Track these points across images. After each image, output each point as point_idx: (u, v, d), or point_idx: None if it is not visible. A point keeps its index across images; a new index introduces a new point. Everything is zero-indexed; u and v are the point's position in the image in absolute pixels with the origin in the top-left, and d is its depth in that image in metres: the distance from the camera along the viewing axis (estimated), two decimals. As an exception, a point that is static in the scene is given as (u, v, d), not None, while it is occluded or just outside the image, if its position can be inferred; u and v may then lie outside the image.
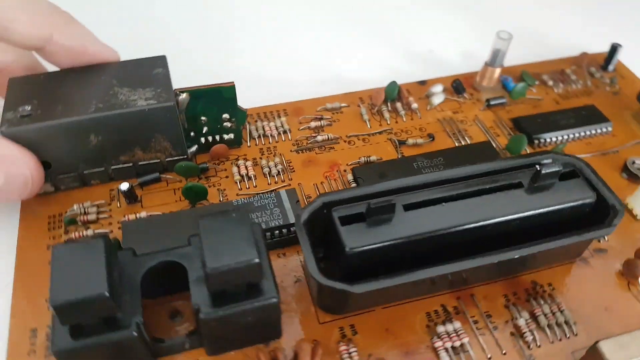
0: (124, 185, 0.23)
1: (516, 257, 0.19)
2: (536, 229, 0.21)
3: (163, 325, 0.20)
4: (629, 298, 0.22)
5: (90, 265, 0.16)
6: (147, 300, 0.20)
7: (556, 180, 0.21)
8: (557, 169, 0.21)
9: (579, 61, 0.34)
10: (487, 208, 0.20)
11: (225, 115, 0.26)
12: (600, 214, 0.21)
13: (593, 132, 0.29)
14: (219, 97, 0.25)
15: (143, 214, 0.24)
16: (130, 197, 0.24)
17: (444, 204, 0.20)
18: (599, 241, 0.24)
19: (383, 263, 0.19)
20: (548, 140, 0.28)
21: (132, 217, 0.23)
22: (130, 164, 0.25)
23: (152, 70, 0.25)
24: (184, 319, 0.20)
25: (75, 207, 0.24)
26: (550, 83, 0.32)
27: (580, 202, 0.21)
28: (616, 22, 0.39)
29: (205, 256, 0.17)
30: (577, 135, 0.29)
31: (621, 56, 0.34)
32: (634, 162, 0.27)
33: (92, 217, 0.23)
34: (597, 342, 0.19)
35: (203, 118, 0.25)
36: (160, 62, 0.25)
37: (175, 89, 0.24)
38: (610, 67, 0.34)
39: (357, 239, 0.19)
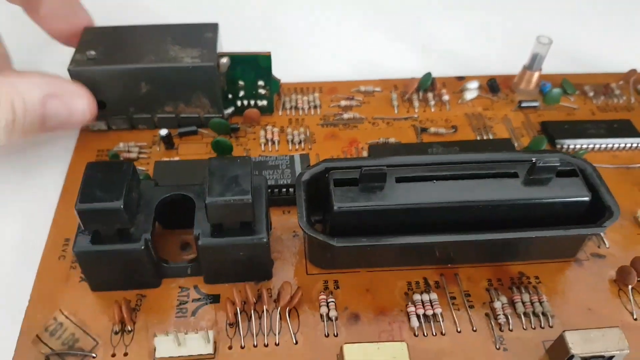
0: (164, 131, 0.27)
1: (496, 239, 0.20)
2: (528, 220, 0.22)
3: (174, 253, 0.23)
4: (616, 304, 0.22)
5: (114, 182, 0.20)
6: (165, 230, 0.24)
7: (553, 176, 0.22)
8: (553, 164, 0.21)
9: (626, 77, 0.33)
10: (476, 190, 0.21)
11: (261, 83, 0.28)
12: (597, 216, 0.22)
13: (622, 145, 0.29)
14: (256, 64, 0.27)
15: (176, 159, 0.27)
16: (168, 143, 0.27)
17: (435, 181, 0.22)
18: (599, 247, 0.24)
19: (369, 227, 0.21)
20: (572, 146, 0.28)
21: (165, 159, 0.27)
22: (173, 115, 0.28)
23: (203, 34, 0.28)
24: (192, 250, 0.23)
25: (121, 145, 0.27)
26: (591, 94, 0.32)
27: (573, 199, 0.21)
28: None
29: (207, 191, 0.19)
30: (603, 146, 0.28)
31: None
32: (657, 179, 0.27)
33: (133, 155, 0.27)
34: (564, 331, 0.19)
35: (241, 82, 0.28)
36: (211, 28, 0.28)
37: (218, 52, 0.27)
38: (661, 86, 0.33)
39: (345, 200, 0.21)
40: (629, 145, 0.29)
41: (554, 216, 0.22)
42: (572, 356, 0.19)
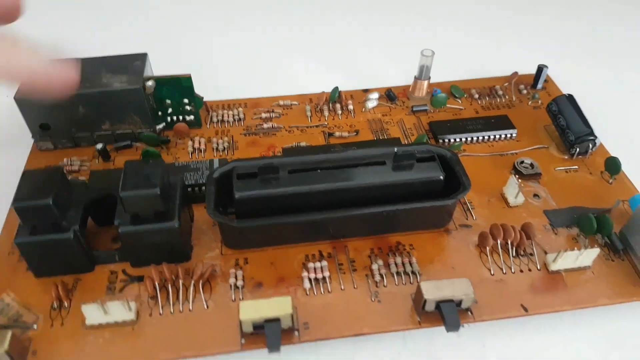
0: (99, 145, 0.31)
1: (368, 212, 0.25)
2: (397, 197, 0.26)
3: (107, 245, 0.27)
4: (476, 263, 0.27)
5: (46, 184, 0.24)
6: (100, 228, 0.28)
7: (414, 161, 0.26)
8: (411, 152, 0.26)
9: (509, 79, 0.39)
10: (352, 176, 0.26)
11: (186, 100, 0.33)
12: (455, 191, 0.26)
13: (497, 136, 0.34)
14: (179, 85, 0.32)
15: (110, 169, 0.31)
16: (104, 155, 0.31)
17: (319, 170, 0.26)
18: (467, 219, 0.29)
19: (268, 212, 0.26)
20: (452, 140, 0.33)
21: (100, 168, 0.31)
22: (110, 132, 0.32)
23: (133, 62, 0.32)
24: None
25: (65, 160, 0.32)
26: (476, 96, 0.37)
27: (429, 177, 0.26)
28: (548, 46, 0.45)
29: (121, 186, 0.24)
30: (480, 138, 0.33)
31: (555, 76, 0.39)
32: (522, 162, 0.32)
33: (75, 167, 0.31)
34: (420, 282, 0.24)
35: (168, 101, 0.33)
36: (141, 57, 0.33)
37: (145, 76, 0.31)
38: (539, 86, 0.38)
39: (245, 189, 0.25)
40: (503, 135, 0.34)
41: (417, 193, 0.26)
42: (426, 301, 0.23)
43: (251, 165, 0.27)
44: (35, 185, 0.24)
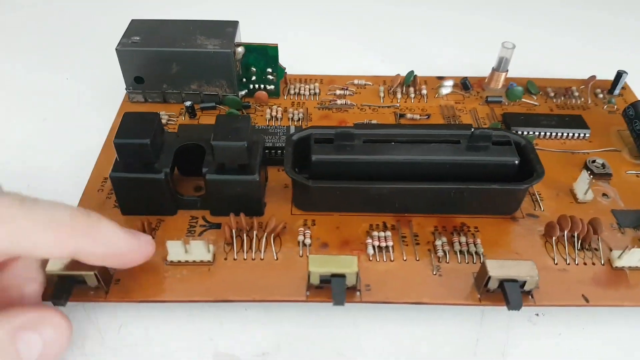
0: (188, 102, 0.33)
1: (437, 187, 0.26)
2: (469, 177, 0.27)
3: (189, 193, 0.29)
4: (540, 251, 0.27)
5: (144, 126, 0.26)
6: (184, 177, 0.30)
7: (489, 144, 0.27)
8: (488, 133, 0.27)
9: (586, 82, 0.38)
10: (425, 151, 0.27)
11: (269, 70, 0.35)
12: (526, 179, 0.27)
13: (570, 134, 0.34)
14: (265, 53, 0.34)
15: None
16: (191, 112, 0.34)
17: (393, 143, 0.27)
18: (535, 209, 0.29)
19: (341, 177, 0.27)
20: (525, 133, 0.33)
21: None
22: (197, 92, 0.34)
23: (225, 28, 0.34)
24: (203, 191, 0.29)
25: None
26: (552, 94, 0.37)
27: (503, 161, 0.27)
28: (629, 52, 0.45)
29: (213, 135, 0.25)
30: (553, 134, 0.33)
31: (633, 84, 0.38)
32: (594, 161, 0.32)
33: (163, 121, 0.34)
34: (485, 259, 0.25)
35: (253, 69, 0.35)
36: (232, 24, 0.35)
37: (236, 42, 0.33)
38: (616, 92, 0.38)
39: (321, 153, 0.27)
40: (576, 134, 0.34)
41: (489, 176, 0.27)
42: (490, 277, 0.24)
43: (328, 132, 0.28)
44: (135, 126, 0.26)
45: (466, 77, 0.38)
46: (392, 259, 0.26)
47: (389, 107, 0.36)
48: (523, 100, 0.36)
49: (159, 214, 0.28)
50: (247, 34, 0.36)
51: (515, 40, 0.37)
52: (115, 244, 0.22)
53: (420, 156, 0.27)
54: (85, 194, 0.29)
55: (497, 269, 0.24)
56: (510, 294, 0.23)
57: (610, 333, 0.25)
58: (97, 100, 0.37)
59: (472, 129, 0.27)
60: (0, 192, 0.19)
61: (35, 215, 0.19)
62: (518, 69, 0.38)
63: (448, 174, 0.27)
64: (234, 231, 0.27)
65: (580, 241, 0.27)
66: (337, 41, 0.45)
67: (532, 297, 0.25)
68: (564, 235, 0.27)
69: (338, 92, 0.37)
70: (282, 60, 0.35)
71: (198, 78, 0.34)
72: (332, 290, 0.23)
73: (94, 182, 0.30)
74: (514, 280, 0.24)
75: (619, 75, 0.37)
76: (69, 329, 0.22)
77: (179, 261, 0.26)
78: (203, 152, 0.28)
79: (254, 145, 0.27)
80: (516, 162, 0.27)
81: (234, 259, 0.26)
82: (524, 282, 0.24)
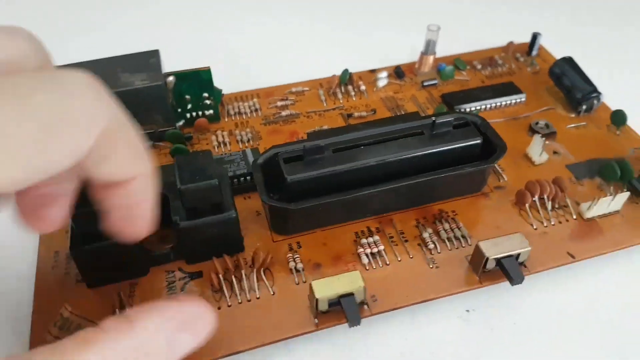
0: (126, 148, 0.30)
1: (415, 182, 0.26)
2: (438, 165, 0.27)
3: (156, 247, 0.27)
4: (518, 220, 0.28)
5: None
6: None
7: (450, 129, 0.27)
8: (449, 119, 0.27)
9: (506, 49, 0.40)
10: (394, 149, 0.27)
11: (205, 94, 0.33)
12: (490, 155, 0.28)
13: (508, 102, 0.35)
14: (198, 78, 0.32)
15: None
16: (131, 157, 0.31)
17: (362, 147, 0.27)
18: (499, 180, 0.30)
19: (318, 192, 0.26)
20: (468, 109, 0.34)
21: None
22: (131, 134, 0.32)
23: (148, 60, 0.32)
24: (170, 240, 0.27)
25: (89, 166, 0.31)
26: (479, 67, 0.39)
27: (468, 143, 0.27)
28: (540, 14, 0.47)
29: (178, 180, 0.23)
30: (493, 105, 0.35)
31: (546, 43, 0.41)
32: (537, 123, 0.33)
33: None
34: (478, 242, 0.25)
35: (187, 97, 0.32)
36: (154, 54, 0.32)
37: (164, 72, 0.31)
38: (534, 53, 0.40)
39: (294, 172, 0.26)
40: (513, 101, 0.35)
41: (456, 160, 0.27)
42: (487, 259, 0.24)
43: (293, 149, 0.27)
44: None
45: (398, 65, 0.38)
46: (387, 262, 0.26)
47: (334, 109, 0.35)
48: (455, 78, 0.38)
49: (130, 278, 0.25)
50: (167, 61, 0.33)
51: (434, 18, 0.38)
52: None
53: (391, 155, 0.27)
54: (38, 276, 0.26)
55: (492, 249, 0.25)
56: (510, 270, 0.24)
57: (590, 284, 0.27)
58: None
59: (433, 118, 0.27)
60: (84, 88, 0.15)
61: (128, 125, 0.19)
62: (440, 48, 0.39)
63: (420, 166, 0.27)
64: (220, 276, 0.25)
65: (550, 202, 0.28)
66: (260, 49, 0.43)
67: (525, 266, 0.26)
68: (535, 200, 0.28)
69: (279, 103, 0.36)
70: (217, 81, 0.33)
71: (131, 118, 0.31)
72: (345, 311, 0.23)
73: (45, 259, 0.26)
74: (509, 256, 0.25)
75: (534, 37, 0.39)
76: (215, 322, 0.19)
77: (171, 323, 0.23)
78: (164, 200, 0.25)
79: (222, 179, 0.26)
80: (479, 141, 0.27)
81: (229, 306, 0.24)
82: (518, 255, 0.25)
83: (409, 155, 0.27)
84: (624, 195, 0.27)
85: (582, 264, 0.27)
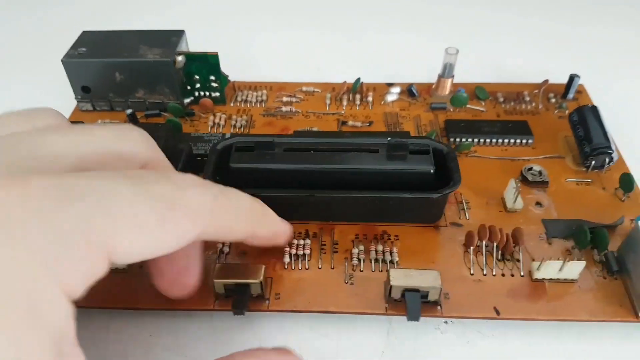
0: (129, 111, 0.34)
1: (354, 196, 0.26)
2: (387, 186, 0.27)
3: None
4: (458, 261, 0.27)
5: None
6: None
7: (406, 152, 0.27)
8: (404, 143, 0.27)
9: (540, 87, 0.38)
10: (344, 160, 0.27)
11: (212, 77, 0.35)
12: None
13: (512, 141, 0.33)
14: (207, 61, 0.34)
15: (138, 133, 0.34)
16: (133, 120, 0.34)
17: (312, 151, 0.27)
18: (460, 218, 0.29)
19: (260, 185, 0.27)
20: (464, 140, 0.33)
21: (129, 133, 0.34)
22: (142, 100, 0.35)
23: (170, 38, 0.35)
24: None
25: (99, 121, 0.35)
26: (501, 100, 0.37)
27: (419, 169, 0.27)
28: (581, 56, 0.44)
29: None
30: (492, 141, 0.33)
31: (590, 87, 0.37)
32: (530, 168, 0.31)
33: (107, 129, 0.34)
34: (389, 269, 0.24)
35: (196, 76, 0.35)
36: (178, 33, 0.35)
37: (176, 51, 0.34)
38: (570, 96, 0.37)
39: (240, 160, 0.27)
40: (518, 141, 0.33)
41: (408, 185, 0.27)
42: (392, 287, 0.24)
43: (252, 140, 0.28)
44: None
45: (412, 84, 0.37)
46: (307, 267, 0.26)
47: (333, 114, 0.36)
48: (468, 106, 0.36)
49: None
50: (197, 44, 0.37)
51: (470, 45, 0.37)
52: (276, 225, 0.25)
53: (337, 165, 0.27)
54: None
55: (400, 278, 0.24)
56: (409, 304, 0.23)
57: (521, 342, 0.25)
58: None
59: (389, 139, 0.27)
60: (190, 182, 0.19)
61: (227, 204, 0.21)
62: (468, 74, 0.38)
63: (369, 183, 0.27)
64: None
65: (500, 251, 0.27)
66: (291, 50, 0.45)
67: (440, 307, 0.25)
68: (482, 245, 0.27)
69: (285, 99, 0.37)
70: (231, 67, 0.36)
71: (142, 86, 0.35)
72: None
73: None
74: (416, 290, 0.24)
75: (572, 78, 0.36)
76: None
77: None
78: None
79: (176, 153, 0.28)
80: (431, 170, 0.27)
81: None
82: (427, 293, 0.24)
83: (353, 169, 0.27)
84: (580, 264, 0.25)
85: (508, 324, 0.25)
